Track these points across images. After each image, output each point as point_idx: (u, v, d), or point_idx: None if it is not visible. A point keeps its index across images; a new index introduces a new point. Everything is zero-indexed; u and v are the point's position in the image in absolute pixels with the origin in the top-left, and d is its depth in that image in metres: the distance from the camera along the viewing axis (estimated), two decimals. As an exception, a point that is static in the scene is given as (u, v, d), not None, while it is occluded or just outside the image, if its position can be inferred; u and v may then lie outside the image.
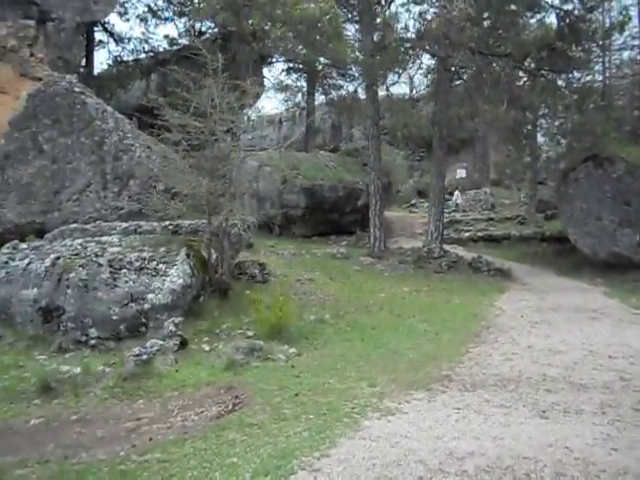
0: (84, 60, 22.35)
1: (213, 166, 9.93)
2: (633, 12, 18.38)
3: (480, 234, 20.25)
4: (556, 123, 16.23)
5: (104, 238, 10.36)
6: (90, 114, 15.37)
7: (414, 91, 16.69)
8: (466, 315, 9.97)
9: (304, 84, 31.92)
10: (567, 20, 15.68)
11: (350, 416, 4.78)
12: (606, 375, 6.10)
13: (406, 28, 13.58)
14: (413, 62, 14.27)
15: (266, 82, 32.67)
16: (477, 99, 14.05)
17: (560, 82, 16.89)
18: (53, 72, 18.66)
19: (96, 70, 25.68)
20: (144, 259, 8.93)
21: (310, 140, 29.67)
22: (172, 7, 26.73)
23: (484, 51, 15.05)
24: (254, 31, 26.63)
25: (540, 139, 20.45)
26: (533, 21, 18.10)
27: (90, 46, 23.01)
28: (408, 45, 13.53)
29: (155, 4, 26.16)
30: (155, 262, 8.92)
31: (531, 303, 11.26)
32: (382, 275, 13.51)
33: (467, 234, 20.37)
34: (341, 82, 30.13)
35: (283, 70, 32.51)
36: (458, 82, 16.80)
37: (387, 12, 13.95)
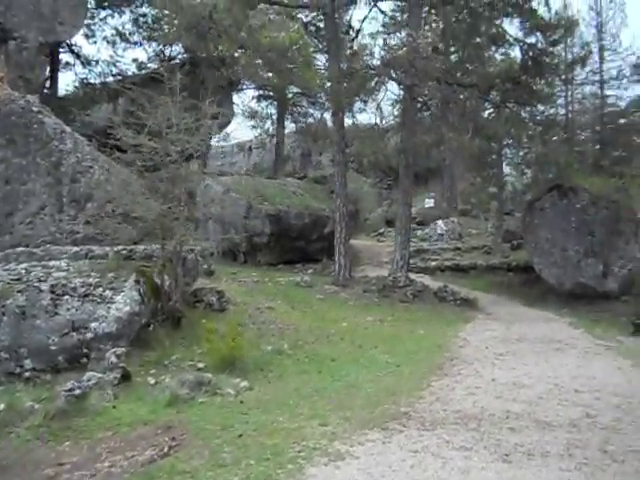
0: (48, 81, 21.81)
1: (167, 188, 9.45)
2: (594, 47, 18.82)
3: (447, 263, 20.05)
4: (520, 153, 16.31)
5: (51, 262, 9.72)
6: (47, 134, 14.75)
7: (382, 120, 16.59)
8: (430, 346, 9.59)
9: (274, 111, 31.96)
10: (531, 53, 15.87)
11: (295, 462, 4.29)
12: (572, 411, 5.74)
13: (372, 55, 13.51)
14: (378, 90, 14.19)
15: (236, 109, 32.67)
16: (443, 127, 13.97)
17: (524, 114, 17.01)
18: (14, 92, 18.13)
19: (61, 92, 25.15)
20: (90, 285, 8.34)
21: (279, 168, 29.44)
22: (141, 31, 26.42)
23: (450, 81, 15.07)
24: (222, 57, 26.56)
25: (506, 169, 20.63)
26: (498, 55, 18.40)
27: (55, 67, 22.49)
28: (374, 72, 13.41)
29: (123, 27, 25.82)
30: (101, 288, 8.33)
31: (496, 333, 10.95)
32: (346, 304, 13.08)
33: (434, 263, 20.14)
34: (310, 110, 30.24)
35: (253, 97, 32.53)
36: (426, 113, 16.79)
37: (355, 41, 13.86)
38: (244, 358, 7.93)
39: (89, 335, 7.68)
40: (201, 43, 23.54)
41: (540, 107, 17.27)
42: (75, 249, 10.62)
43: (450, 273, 19.49)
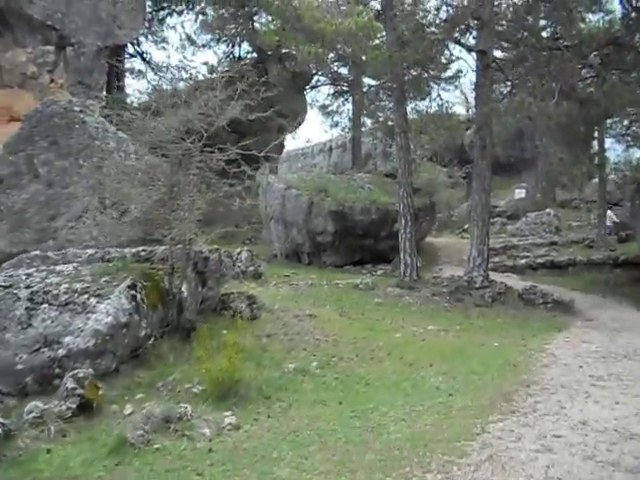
0: (113, 87, 21.52)
1: (173, 170, 7.83)
2: None
3: (540, 260, 17.08)
4: (625, 122, 13.23)
5: (58, 267, 8.52)
6: (90, 134, 13.95)
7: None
8: (503, 365, 7.23)
9: (350, 107, 30.09)
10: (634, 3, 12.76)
11: None
12: None
13: (433, 13, 11.17)
14: (440, 55, 11.87)
15: (313, 108, 31.20)
16: (520, 91, 11.39)
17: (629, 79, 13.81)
18: (73, 98, 17.76)
19: (135, 100, 25.01)
20: (75, 291, 6.92)
21: (358, 166, 27.51)
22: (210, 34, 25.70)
23: (534, 45, 12.40)
24: (291, 53, 25.18)
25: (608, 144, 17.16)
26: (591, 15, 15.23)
27: (121, 73, 22.19)
28: (436, 34, 11.12)
29: (193, 32, 25.23)
30: (87, 295, 6.89)
31: (596, 347, 8.31)
32: (407, 309, 10.88)
33: (524, 261, 17.25)
34: (387, 103, 28.05)
35: (329, 94, 30.95)
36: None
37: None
38: (248, 382, 6.14)
39: (61, 352, 6.22)
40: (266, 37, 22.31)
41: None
42: (90, 252, 9.38)
43: (544, 272, 16.57)
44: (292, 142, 48.72)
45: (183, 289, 8.04)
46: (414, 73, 13.28)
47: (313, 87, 29.90)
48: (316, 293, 11.69)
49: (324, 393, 6.14)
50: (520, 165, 28.77)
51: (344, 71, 28.64)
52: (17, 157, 13.53)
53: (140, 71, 24.64)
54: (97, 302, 6.73)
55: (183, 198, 7.70)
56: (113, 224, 8.45)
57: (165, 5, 22.47)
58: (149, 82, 25.42)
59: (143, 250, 8.90)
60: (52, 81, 17.53)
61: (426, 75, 13.96)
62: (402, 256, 13.20)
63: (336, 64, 28.35)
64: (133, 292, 7.10)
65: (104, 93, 18.89)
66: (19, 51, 16.94)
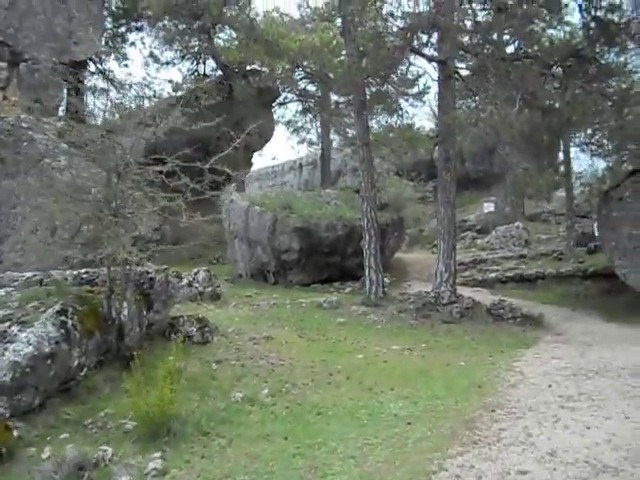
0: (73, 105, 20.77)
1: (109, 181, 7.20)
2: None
3: (509, 274, 16.73)
4: (589, 131, 13.02)
5: (-12, 292, 7.77)
6: (39, 151, 13.22)
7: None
8: (467, 387, 6.71)
9: (318, 124, 29.76)
10: (593, 13, 12.65)
11: None
12: None
13: (390, 19, 10.78)
14: (400, 63, 11.53)
15: (281, 126, 30.77)
16: (480, 99, 11.10)
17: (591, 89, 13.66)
18: (28, 115, 16.97)
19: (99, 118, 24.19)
20: (-5, 319, 6.22)
21: (328, 183, 27.09)
22: (172, 51, 25.16)
23: (496, 56, 12.14)
24: (257, 69, 24.81)
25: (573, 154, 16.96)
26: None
27: (80, 90, 21.47)
28: (393, 40, 10.73)
29: (156, 47, 24.67)
30: (9, 322, 6.18)
31: (566, 363, 7.85)
32: (371, 328, 10.32)
33: (493, 275, 16.90)
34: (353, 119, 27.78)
35: (297, 111, 30.60)
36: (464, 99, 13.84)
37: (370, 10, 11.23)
38: (186, 416, 5.49)
39: (-28, 389, 5.50)
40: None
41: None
42: (28, 275, 8.64)
43: (513, 285, 16.22)
44: (260, 159, 48.41)
45: (124, 313, 7.40)
46: (377, 87, 12.92)
47: (281, 104, 29.49)
48: (277, 314, 11.07)
49: (270, 425, 5.52)
50: (489, 179, 28.77)
51: (312, 88, 28.42)
52: (-41, 176, 12.75)
53: (103, 89, 23.91)
54: (19, 330, 6.01)
55: (120, 214, 7.06)
56: (50, 246, 7.67)
57: (124, 21, 21.91)
58: (111, 101, 24.77)
59: (86, 272, 8.22)
60: (5, 98, 16.75)
61: (394, 91, 13.64)
62: (367, 273, 12.70)
63: (303, 81, 28.18)
64: (63, 318, 6.40)
65: (61, 110, 18.13)
66: (-31, 67, 16.17)
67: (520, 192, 20.22)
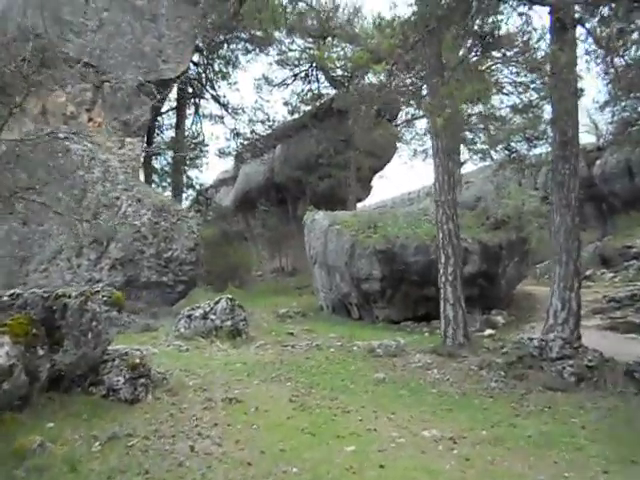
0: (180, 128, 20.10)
1: None
2: None
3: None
4: None
5: None
6: (73, 162, 11.84)
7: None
8: None
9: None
10: None
11: None
12: None
13: None
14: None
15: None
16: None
17: None
18: (111, 136, 16.23)
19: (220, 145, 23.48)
20: None
21: (464, 207, 23.11)
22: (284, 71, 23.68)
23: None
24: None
25: None
26: None
27: (181, 113, 20.79)
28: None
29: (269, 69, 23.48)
30: None
31: None
32: (418, 393, 6.53)
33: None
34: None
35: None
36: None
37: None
38: None
39: None
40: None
41: None
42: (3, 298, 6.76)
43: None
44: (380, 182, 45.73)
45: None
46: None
47: (408, 121, 26.34)
48: (303, 362, 7.87)
49: None
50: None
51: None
52: (-6, 192, 11.70)
53: (218, 116, 23.16)
54: None
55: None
56: None
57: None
58: (226, 126, 23.92)
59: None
60: (90, 120, 16.27)
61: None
62: (442, 309, 8.92)
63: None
64: None
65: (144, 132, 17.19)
66: (59, 92, 15.89)
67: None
